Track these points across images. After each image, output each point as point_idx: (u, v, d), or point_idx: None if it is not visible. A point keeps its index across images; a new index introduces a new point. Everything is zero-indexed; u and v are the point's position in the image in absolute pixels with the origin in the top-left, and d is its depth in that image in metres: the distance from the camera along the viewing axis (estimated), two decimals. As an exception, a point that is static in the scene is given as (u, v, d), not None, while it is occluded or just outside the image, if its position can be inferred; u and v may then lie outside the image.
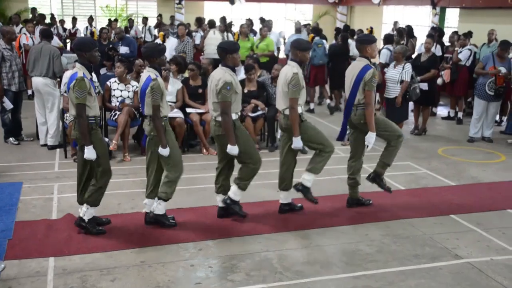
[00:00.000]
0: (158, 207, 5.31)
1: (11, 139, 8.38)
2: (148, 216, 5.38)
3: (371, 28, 13.31)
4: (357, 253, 4.98)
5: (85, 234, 5.13)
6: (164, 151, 5.12)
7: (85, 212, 5.15)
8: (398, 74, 8.59)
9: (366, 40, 5.77)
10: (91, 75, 5.09)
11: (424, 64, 9.52)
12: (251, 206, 5.82)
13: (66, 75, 8.20)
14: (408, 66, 8.62)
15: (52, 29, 10.36)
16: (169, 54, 10.58)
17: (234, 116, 5.33)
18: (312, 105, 11.79)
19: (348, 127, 5.97)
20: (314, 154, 5.67)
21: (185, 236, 5.19)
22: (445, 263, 4.82)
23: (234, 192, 5.52)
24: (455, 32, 12.13)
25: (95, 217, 5.25)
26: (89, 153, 4.94)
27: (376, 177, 6.04)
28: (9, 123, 8.36)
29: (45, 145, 8.17)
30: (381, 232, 5.45)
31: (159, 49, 5.28)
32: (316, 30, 12.56)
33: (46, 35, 8.31)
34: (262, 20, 13.81)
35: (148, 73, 5.17)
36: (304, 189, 5.68)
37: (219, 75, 5.27)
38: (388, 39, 11.26)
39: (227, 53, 5.30)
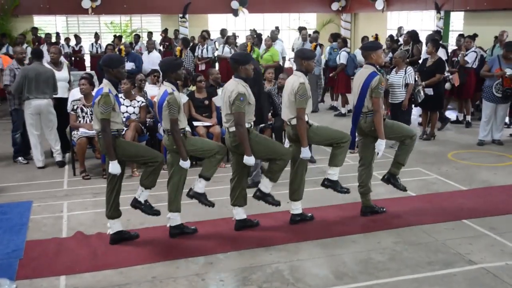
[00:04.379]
0: (172, 220, 5.40)
1: (20, 158, 8.40)
2: (172, 229, 5.43)
3: (376, 35, 13.34)
4: (369, 261, 4.93)
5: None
6: (185, 164, 5.16)
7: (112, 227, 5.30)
8: (402, 79, 8.65)
9: (371, 47, 5.76)
10: (117, 91, 5.19)
11: (429, 69, 9.50)
12: (260, 217, 5.80)
13: (73, 93, 8.28)
14: (410, 69, 8.72)
15: (60, 47, 10.35)
16: (151, 67, 10.91)
17: (247, 125, 5.31)
18: (335, 103, 12.75)
19: (356, 134, 5.94)
20: (332, 148, 5.63)
21: (196, 249, 5.17)
22: (459, 269, 4.76)
23: (265, 185, 5.51)
24: (461, 35, 12.11)
25: (123, 232, 5.36)
26: (113, 168, 5.02)
27: (390, 178, 5.99)
28: (19, 142, 8.37)
29: (42, 167, 8.09)
30: (393, 239, 5.40)
31: (175, 63, 5.32)
32: (334, 36, 13.34)
33: (38, 56, 8.18)
34: (276, 29, 13.99)
35: (164, 87, 5.21)
36: (332, 184, 5.69)
37: (232, 87, 5.27)
38: (344, 41, 12.40)
39: (239, 64, 5.31)
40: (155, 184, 5.27)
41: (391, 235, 5.50)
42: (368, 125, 5.70)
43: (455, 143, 9.55)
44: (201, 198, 5.42)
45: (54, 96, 8.16)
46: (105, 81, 5.11)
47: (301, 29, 14.14)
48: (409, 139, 5.80)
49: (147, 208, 5.30)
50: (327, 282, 4.56)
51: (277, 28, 14.23)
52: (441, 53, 10.60)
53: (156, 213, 5.34)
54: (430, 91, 9.25)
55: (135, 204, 5.29)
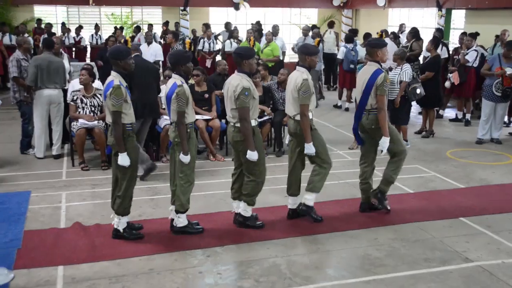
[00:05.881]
0: (179, 220, 5.34)
1: (30, 150, 8.31)
2: (174, 225, 5.40)
3: (382, 32, 13.33)
4: (367, 257, 4.95)
5: (123, 240, 5.21)
6: (185, 158, 5.13)
7: (118, 223, 5.22)
8: (397, 75, 8.64)
9: (376, 44, 5.72)
10: (126, 82, 5.16)
11: (423, 67, 9.60)
12: (259, 212, 5.79)
13: (73, 84, 8.26)
14: (406, 67, 8.67)
15: (63, 38, 10.26)
16: (151, 59, 11.28)
17: (253, 123, 5.29)
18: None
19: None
20: (312, 171, 5.62)
21: (193, 243, 5.18)
22: (456, 266, 4.78)
23: (243, 208, 5.53)
24: (464, 33, 12.10)
25: (129, 223, 5.32)
26: (123, 160, 5.00)
27: (379, 193, 5.95)
28: (32, 134, 8.26)
29: (42, 158, 8.03)
30: (390, 236, 5.41)
31: (185, 56, 5.31)
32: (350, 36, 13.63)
33: (49, 45, 8.13)
34: (274, 27, 13.97)
35: (174, 79, 5.19)
36: (308, 209, 5.66)
37: (236, 82, 5.22)
38: (348, 38, 12.32)
39: (243, 58, 5.27)
40: None
41: (389, 231, 5.52)
42: (370, 122, 5.68)
43: (454, 141, 9.56)
44: None
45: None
46: (113, 73, 5.07)
47: (313, 27, 14.36)
48: (399, 154, 5.77)
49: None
50: (324, 277, 4.58)
51: (275, 26, 14.15)
52: (442, 51, 10.63)
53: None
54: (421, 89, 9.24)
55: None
